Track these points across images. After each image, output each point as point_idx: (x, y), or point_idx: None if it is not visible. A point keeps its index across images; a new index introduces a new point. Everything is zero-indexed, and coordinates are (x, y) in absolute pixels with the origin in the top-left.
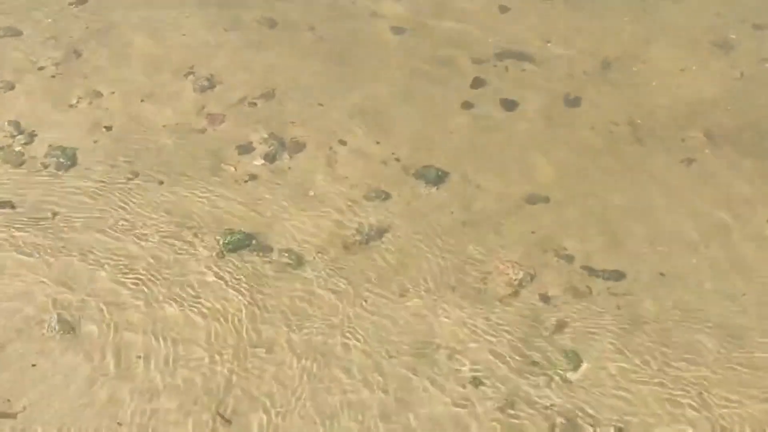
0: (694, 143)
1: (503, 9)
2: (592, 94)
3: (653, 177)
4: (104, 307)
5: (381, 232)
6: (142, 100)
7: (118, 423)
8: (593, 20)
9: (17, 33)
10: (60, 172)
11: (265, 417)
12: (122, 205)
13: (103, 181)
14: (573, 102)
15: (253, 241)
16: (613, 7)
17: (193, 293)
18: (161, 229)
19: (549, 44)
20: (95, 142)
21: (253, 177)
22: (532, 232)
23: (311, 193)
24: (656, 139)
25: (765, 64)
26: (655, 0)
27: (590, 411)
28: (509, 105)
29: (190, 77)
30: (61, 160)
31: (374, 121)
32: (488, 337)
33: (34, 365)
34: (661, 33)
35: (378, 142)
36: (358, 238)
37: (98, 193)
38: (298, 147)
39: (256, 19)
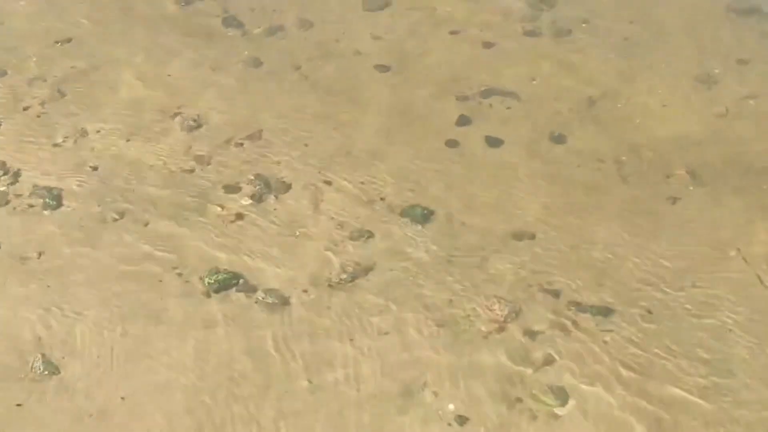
0: (678, 180)
1: (487, 45)
2: (577, 131)
3: (639, 214)
4: (90, 350)
5: (366, 270)
6: (128, 140)
7: None
8: (578, 57)
9: (2, 73)
10: (46, 212)
11: None
12: (108, 245)
13: (89, 222)
14: (558, 139)
15: (240, 281)
16: (598, 44)
17: (177, 331)
18: (146, 270)
19: (534, 81)
20: (81, 181)
21: (240, 217)
22: (519, 269)
23: (297, 233)
24: (641, 177)
25: (749, 101)
26: (639, 36)
27: None
28: (494, 142)
29: (178, 118)
30: (47, 200)
31: (359, 160)
32: (474, 374)
33: (19, 405)
34: (646, 69)
35: (363, 183)
36: (343, 276)
37: (84, 233)
38: (285, 187)
39: (242, 59)
